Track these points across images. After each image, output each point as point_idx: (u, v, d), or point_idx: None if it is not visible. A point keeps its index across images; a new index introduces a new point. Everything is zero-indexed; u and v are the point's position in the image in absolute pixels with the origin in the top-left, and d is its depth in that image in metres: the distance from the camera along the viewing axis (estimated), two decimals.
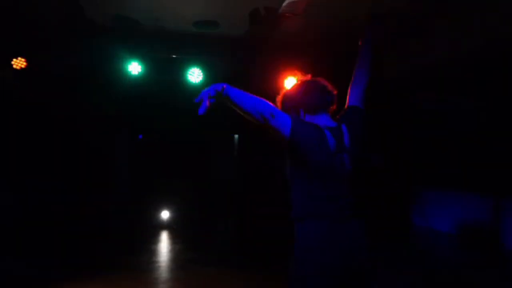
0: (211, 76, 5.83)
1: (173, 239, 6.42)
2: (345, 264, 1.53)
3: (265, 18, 4.60)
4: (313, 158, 1.59)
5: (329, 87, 1.80)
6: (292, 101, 1.79)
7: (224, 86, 1.60)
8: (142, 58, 5.51)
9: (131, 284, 4.05)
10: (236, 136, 8.83)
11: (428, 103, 6.72)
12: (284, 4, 4.06)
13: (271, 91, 6.78)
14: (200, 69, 5.72)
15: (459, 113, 6.85)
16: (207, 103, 1.60)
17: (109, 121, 7.60)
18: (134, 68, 5.47)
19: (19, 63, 5.15)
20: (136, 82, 5.67)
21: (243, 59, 5.85)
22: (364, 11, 4.26)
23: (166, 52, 5.73)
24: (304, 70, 6.20)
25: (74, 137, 7.41)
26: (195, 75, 5.72)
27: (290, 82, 5.88)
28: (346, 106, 1.91)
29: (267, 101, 1.62)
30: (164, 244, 6.11)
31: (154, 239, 6.31)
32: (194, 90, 5.90)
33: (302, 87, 1.82)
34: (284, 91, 1.88)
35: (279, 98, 1.87)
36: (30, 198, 6.93)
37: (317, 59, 5.66)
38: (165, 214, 7.19)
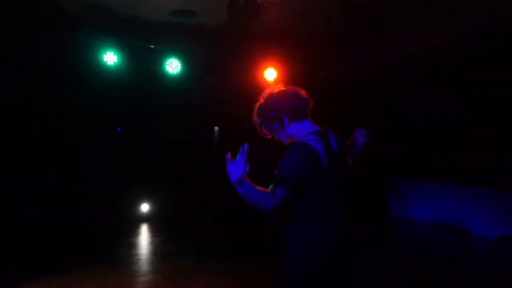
0: (189, 66, 5.78)
1: (153, 231, 6.39)
2: (338, 265, 1.63)
3: (244, 8, 4.59)
4: (310, 181, 1.60)
5: (304, 93, 1.82)
6: (276, 110, 1.75)
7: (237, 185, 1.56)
8: (118, 48, 5.39)
9: (110, 277, 4.02)
10: (216, 128, 8.81)
11: (402, 97, 6.86)
12: None
13: (251, 81, 6.83)
14: (178, 59, 5.64)
15: (432, 106, 7.05)
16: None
17: (86, 113, 7.43)
18: (110, 58, 5.33)
19: None
20: (112, 72, 5.53)
21: (222, 50, 5.82)
22: (342, 3, 4.34)
23: (143, 42, 5.63)
24: (282, 60, 6.26)
25: (49, 131, 7.20)
26: (173, 66, 5.65)
27: (269, 72, 5.95)
28: None
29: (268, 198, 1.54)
30: (144, 237, 6.08)
31: (133, 232, 6.27)
32: (172, 81, 5.88)
33: (280, 95, 1.78)
34: (259, 103, 1.82)
35: (257, 112, 1.82)
36: (4, 193, 6.72)
37: (296, 50, 5.70)
38: (144, 207, 7.14)
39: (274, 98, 1.78)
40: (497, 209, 5.98)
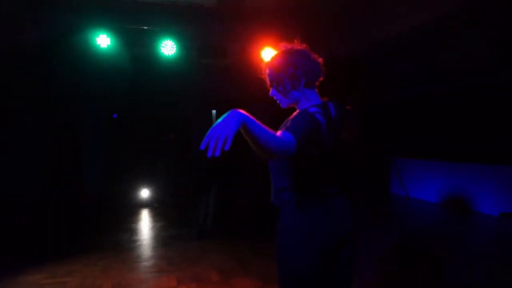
0: (185, 48, 5.72)
1: (154, 217, 6.47)
2: (338, 235, 1.63)
3: None
4: (311, 149, 1.54)
5: (322, 61, 1.72)
6: (297, 68, 1.63)
7: (243, 118, 1.20)
8: (111, 30, 5.28)
9: (113, 264, 4.10)
10: (214, 111, 8.72)
11: (401, 70, 6.78)
12: None
13: (248, 62, 6.74)
14: (173, 41, 5.57)
15: (433, 79, 6.99)
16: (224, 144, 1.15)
17: (80, 98, 7.38)
18: (103, 41, 5.24)
19: None
20: (105, 56, 5.44)
21: (218, 29, 5.71)
22: None
23: (137, 24, 5.53)
24: (281, 39, 6.18)
25: (40, 116, 7.17)
26: (168, 48, 5.57)
27: (267, 52, 5.84)
28: None
29: (277, 137, 1.33)
30: (145, 222, 6.15)
31: (134, 218, 6.34)
32: (168, 63, 5.83)
33: (304, 55, 1.66)
34: (278, 56, 1.69)
35: (272, 64, 1.70)
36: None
37: (294, 27, 5.61)
38: (145, 193, 7.18)
39: (298, 55, 1.65)
40: (500, 187, 6.04)
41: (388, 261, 4.07)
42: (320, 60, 1.73)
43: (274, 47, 5.92)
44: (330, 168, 1.65)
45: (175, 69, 6.06)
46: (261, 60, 5.91)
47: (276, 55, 1.72)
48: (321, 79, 1.74)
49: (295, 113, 1.62)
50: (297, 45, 1.73)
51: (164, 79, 6.62)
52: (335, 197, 1.65)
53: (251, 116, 1.24)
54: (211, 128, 1.15)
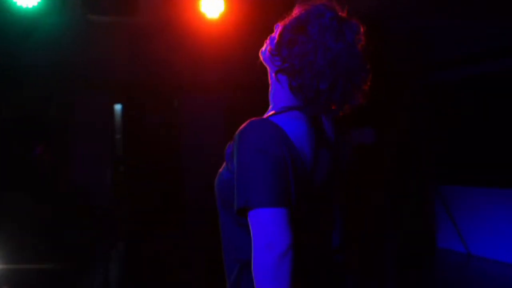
0: None
1: None
2: None
3: None
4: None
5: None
6: (324, 66, 1.59)
7: None
8: None
9: None
10: (118, 106, 8.82)
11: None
12: None
13: (176, 21, 6.43)
14: None
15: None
16: None
17: None
18: None
19: None
20: None
21: None
22: None
23: None
24: None
25: None
26: None
27: (210, 3, 5.79)
28: None
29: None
30: None
31: None
32: (28, 21, 5.85)
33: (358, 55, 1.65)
34: (309, 19, 1.64)
35: (300, 16, 1.68)
36: None
37: None
38: None
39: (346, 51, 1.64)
40: None
41: None
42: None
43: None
44: (320, 222, 1.72)
45: (42, 32, 6.13)
46: (200, 17, 5.97)
47: (321, 14, 1.67)
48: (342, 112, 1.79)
49: (239, 137, 1.59)
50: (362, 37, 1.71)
51: (20, 50, 6.58)
52: (329, 274, 1.74)
53: None
54: None
